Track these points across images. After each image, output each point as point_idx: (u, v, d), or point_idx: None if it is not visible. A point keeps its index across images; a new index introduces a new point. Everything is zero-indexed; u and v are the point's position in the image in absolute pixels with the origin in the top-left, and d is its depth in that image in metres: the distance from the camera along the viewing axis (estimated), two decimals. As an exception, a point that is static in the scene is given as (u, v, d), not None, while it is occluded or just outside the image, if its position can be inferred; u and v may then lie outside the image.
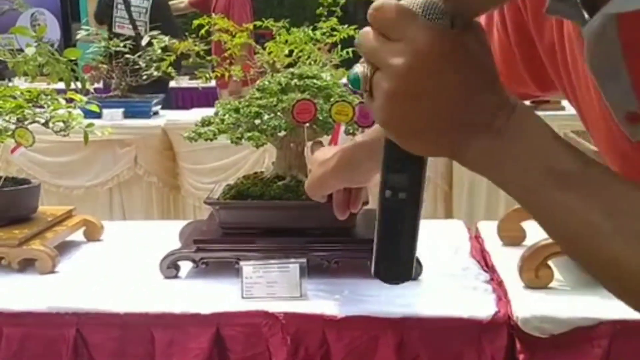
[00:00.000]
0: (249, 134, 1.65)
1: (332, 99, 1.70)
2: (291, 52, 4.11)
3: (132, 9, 5.93)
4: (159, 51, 4.15)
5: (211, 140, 1.69)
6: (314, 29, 4.06)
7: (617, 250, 0.62)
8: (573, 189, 0.64)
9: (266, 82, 1.74)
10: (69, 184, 4.00)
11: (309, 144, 1.59)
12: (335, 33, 4.10)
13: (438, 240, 1.98)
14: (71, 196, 4.01)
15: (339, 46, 4.31)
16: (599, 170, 0.65)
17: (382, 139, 0.84)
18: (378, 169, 1.30)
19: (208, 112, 4.38)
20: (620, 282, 0.63)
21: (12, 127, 1.81)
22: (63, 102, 1.83)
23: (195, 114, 4.29)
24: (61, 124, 1.83)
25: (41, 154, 3.84)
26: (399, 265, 0.82)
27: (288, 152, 1.76)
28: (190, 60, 6.49)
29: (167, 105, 4.76)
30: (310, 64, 4.10)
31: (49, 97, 1.82)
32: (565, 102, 4.04)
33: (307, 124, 1.66)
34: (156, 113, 4.29)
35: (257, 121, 1.71)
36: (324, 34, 4.10)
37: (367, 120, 1.63)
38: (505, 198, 3.81)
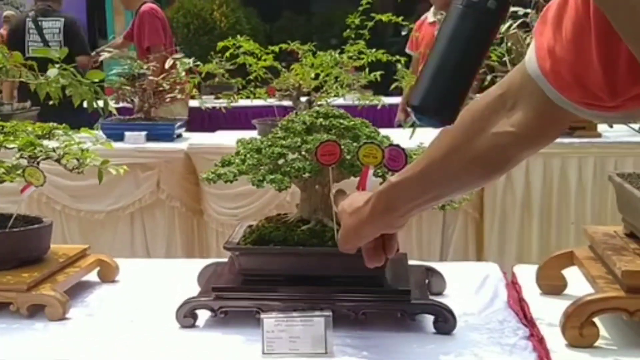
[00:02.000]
0: (272, 177, 1.54)
1: (359, 140, 1.59)
2: (317, 74, 4.05)
3: (45, 31, 6.04)
4: (183, 73, 4.08)
5: (231, 182, 1.59)
6: (341, 51, 4.00)
7: None
8: None
9: (290, 122, 1.64)
10: (90, 209, 3.93)
11: (333, 191, 1.49)
12: (362, 56, 4.05)
13: (471, 285, 1.86)
14: (92, 221, 3.94)
15: (367, 69, 4.26)
16: None
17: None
18: (417, 208, 1.21)
19: (233, 135, 4.33)
20: None
21: (24, 163, 1.72)
22: (76, 138, 1.74)
23: (220, 137, 4.22)
24: (75, 162, 1.73)
25: (62, 178, 3.76)
26: (451, 99, 0.76)
27: (313, 195, 1.66)
28: (216, 80, 6.50)
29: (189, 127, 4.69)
30: (337, 87, 4.04)
31: (62, 132, 1.73)
32: (601, 128, 3.90)
33: (333, 166, 1.56)
34: (179, 136, 4.21)
35: (281, 161, 1.61)
36: (350, 57, 4.04)
37: (397, 164, 1.52)
38: (539, 222, 3.71)
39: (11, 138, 1.68)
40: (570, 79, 0.97)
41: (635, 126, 3.97)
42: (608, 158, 3.76)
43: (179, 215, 4.01)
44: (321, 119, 1.62)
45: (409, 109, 0.81)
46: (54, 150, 1.72)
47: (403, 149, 1.52)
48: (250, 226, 1.74)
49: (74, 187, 3.76)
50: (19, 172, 1.67)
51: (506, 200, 3.80)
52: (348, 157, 1.56)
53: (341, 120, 1.61)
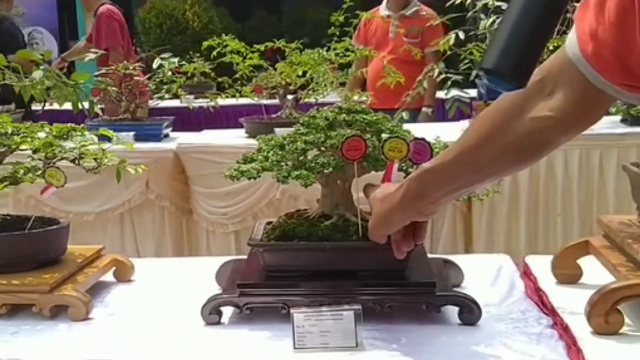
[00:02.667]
0: (297, 173, 1.55)
1: (382, 135, 1.60)
2: (304, 72, 4.06)
3: None
4: (169, 73, 4.07)
5: (254, 179, 1.59)
6: (328, 49, 4.01)
7: None
8: None
9: (312, 117, 1.64)
10: (79, 210, 3.90)
11: (353, 184, 1.50)
12: (348, 53, 4.06)
13: (487, 277, 1.88)
14: (81, 222, 3.90)
15: (353, 66, 4.27)
16: None
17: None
18: (448, 196, 1.23)
19: (220, 134, 4.31)
20: None
21: (40, 164, 1.71)
22: (95, 138, 1.74)
23: (208, 136, 4.21)
24: (92, 162, 1.73)
25: (51, 180, 3.74)
26: (525, 63, 0.79)
27: (334, 190, 1.67)
28: (195, 79, 6.47)
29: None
30: (325, 85, 4.05)
31: (79, 132, 1.72)
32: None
33: (357, 161, 1.57)
34: (167, 136, 4.19)
35: (303, 157, 1.62)
36: (337, 54, 4.06)
37: (422, 157, 1.53)
38: (527, 215, 3.74)
39: (28, 139, 1.66)
40: (613, 61, 0.99)
41: (617, 118, 4.04)
42: (593, 150, 3.80)
43: (169, 215, 3.99)
44: (344, 115, 1.63)
45: (480, 73, 0.82)
46: (72, 150, 1.71)
47: (428, 142, 1.54)
48: (270, 223, 1.75)
49: (63, 189, 3.70)
50: (38, 173, 1.66)
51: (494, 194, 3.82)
52: (372, 151, 1.58)
53: (364, 116, 1.63)
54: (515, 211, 3.85)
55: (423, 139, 1.54)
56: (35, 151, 1.74)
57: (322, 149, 1.62)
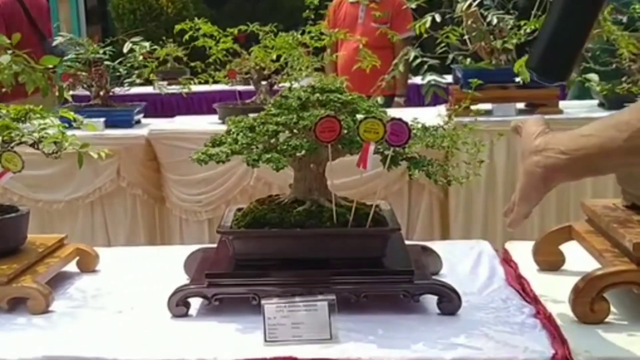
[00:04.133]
0: (268, 156, 1.47)
1: (358, 115, 1.53)
2: (278, 57, 3.97)
3: None
4: (140, 58, 3.96)
5: (223, 162, 1.51)
6: (302, 32, 3.92)
7: None
8: None
9: (284, 97, 1.56)
10: (48, 198, 3.79)
11: (327, 168, 1.42)
12: (323, 37, 3.98)
13: (466, 264, 1.82)
14: (51, 211, 3.81)
15: (328, 50, 4.19)
16: None
17: None
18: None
19: (193, 120, 4.22)
20: None
21: (-3, 148, 1.62)
22: (55, 120, 1.65)
23: (180, 123, 4.11)
24: (53, 146, 1.64)
25: (18, 167, 3.63)
26: (566, 61, 0.85)
27: (308, 174, 1.59)
28: (168, 65, 6.35)
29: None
30: (300, 69, 3.96)
31: (39, 115, 1.63)
32: (563, 105, 3.90)
33: (331, 143, 1.49)
34: (138, 122, 4.09)
35: (274, 140, 1.54)
36: (312, 37, 3.97)
37: (399, 139, 1.46)
38: (503, 201, 3.69)
39: (-17, 122, 1.57)
40: None
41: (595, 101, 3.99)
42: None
43: (141, 203, 3.89)
44: (317, 94, 1.54)
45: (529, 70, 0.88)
46: (30, 133, 1.62)
47: (406, 123, 1.46)
48: (240, 209, 1.67)
49: (32, 176, 3.62)
50: (-6, 157, 1.57)
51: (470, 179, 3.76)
52: (347, 133, 1.50)
53: (338, 95, 1.54)
54: (492, 197, 3.79)
55: (400, 119, 1.47)
56: (-9, 135, 1.64)
57: (295, 130, 1.54)
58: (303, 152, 1.50)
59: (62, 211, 3.83)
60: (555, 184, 1.27)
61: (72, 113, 1.76)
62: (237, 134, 1.54)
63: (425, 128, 1.59)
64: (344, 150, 1.53)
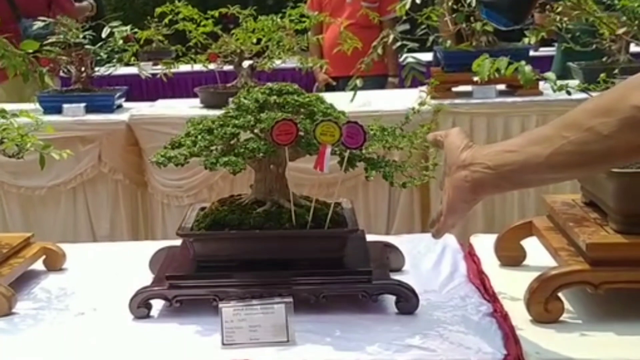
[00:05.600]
0: (225, 159, 1.48)
1: (315, 117, 1.53)
2: (259, 40, 3.96)
3: None
4: (120, 41, 3.94)
5: (182, 165, 1.52)
6: (282, 15, 3.91)
7: None
8: None
9: (242, 99, 1.57)
10: (30, 185, 3.79)
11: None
12: (304, 19, 3.96)
13: (430, 259, 1.83)
14: (33, 197, 3.81)
15: (309, 32, 4.17)
16: None
17: None
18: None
19: (175, 103, 4.21)
20: None
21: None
22: (15, 122, 1.65)
23: (162, 107, 4.10)
24: (15, 148, 1.64)
25: (-1, 154, 3.63)
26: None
27: (268, 175, 1.60)
28: (154, 45, 6.32)
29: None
30: (280, 53, 3.95)
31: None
32: (543, 87, 3.89)
33: (288, 146, 1.50)
34: (120, 106, 4.08)
35: (234, 141, 1.54)
36: (292, 20, 3.96)
37: (355, 141, 1.47)
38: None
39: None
40: None
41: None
42: (550, 116, 3.72)
43: (123, 189, 3.89)
44: (274, 96, 1.55)
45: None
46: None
47: (361, 126, 1.47)
48: (203, 209, 1.68)
49: (12, 162, 3.58)
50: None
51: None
52: (305, 135, 1.50)
53: (295, 97, 1.55)
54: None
55: (356, 123, 1.47)
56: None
57: (253, 132, 1.55)
58: (261, 154, 1.51)
59: (44, 197, 3.83)
60: (484, 197, 1.28)
61: (31, 114, 1.75)
62: (196, 136, 1.55)
63: (383, 129, 1.60)
64: (302, 151, 1.54)
